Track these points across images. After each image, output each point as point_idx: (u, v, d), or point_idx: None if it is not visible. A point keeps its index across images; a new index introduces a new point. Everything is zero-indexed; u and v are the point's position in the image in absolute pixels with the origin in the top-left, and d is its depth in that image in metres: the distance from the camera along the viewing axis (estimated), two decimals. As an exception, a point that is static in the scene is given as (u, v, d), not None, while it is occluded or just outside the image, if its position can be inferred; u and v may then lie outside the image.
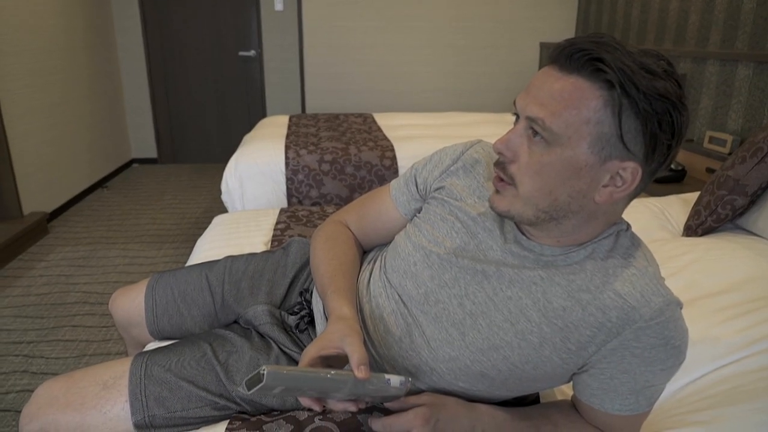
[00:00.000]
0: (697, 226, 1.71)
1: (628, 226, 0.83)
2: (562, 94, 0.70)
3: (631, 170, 0.71)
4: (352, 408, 0.75)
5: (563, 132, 0.70)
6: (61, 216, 3.65)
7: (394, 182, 1.04)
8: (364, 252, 1.08)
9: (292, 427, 0.86)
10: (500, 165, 0.77)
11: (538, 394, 1.01)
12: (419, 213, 0.97)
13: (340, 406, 0.75)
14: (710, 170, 2.55)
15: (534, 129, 0.72)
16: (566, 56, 0.70)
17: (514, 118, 0.76)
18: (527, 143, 0.74)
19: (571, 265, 0.79)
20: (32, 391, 1.88)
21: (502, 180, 0.78)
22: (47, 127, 3.53)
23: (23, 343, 2.16)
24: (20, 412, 1.75)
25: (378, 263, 0.99)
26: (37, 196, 3.38)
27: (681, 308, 0.76)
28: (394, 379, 0.75)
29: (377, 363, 0.90)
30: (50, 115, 3.57)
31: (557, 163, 0.72)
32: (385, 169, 2.69)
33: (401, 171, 2.72)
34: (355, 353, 0.73)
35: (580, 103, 0.69)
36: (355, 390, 0.72)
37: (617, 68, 0.67)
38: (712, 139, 2.63)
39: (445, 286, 0.86)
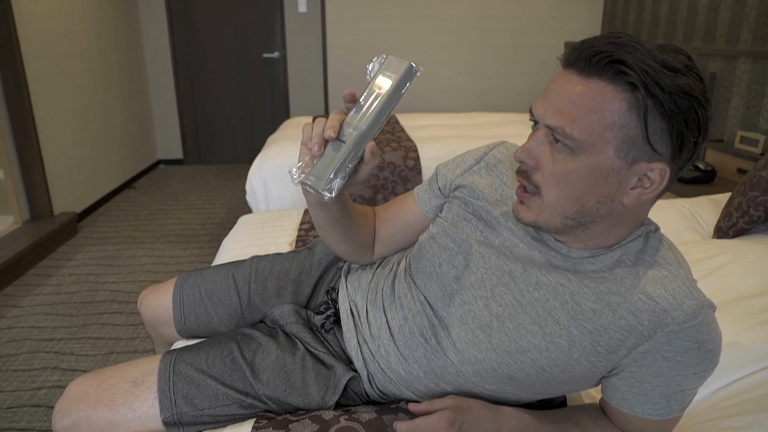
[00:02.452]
0: (728, 228, 1.67)
1: (657, 227, 0.81)
2: (583, 99, 0.68)
3: (659, 171, 0.70)
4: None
5: (586, 138, 0.69)
6: (89, 216, 3.72)
7: (418, 185, 1.04)
8: (384, 256, 1.08)
9: (318, 426, 0.86)
10: (523, 174, 0.76)
11: (565, 397, 0.99)
12: (441, 213, 0.96)
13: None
14: (741, 171, 2.50)
15: (555, 136, 0.71)
16: (585, 59, 0.69)
17: (532, 123, 0.74)
18: (549, 150, 0.73)
19: (600, 270, 0.78)
20: (62, 387, 1.92)
21: (526, 190, 0.76)
22: (77, 129, 3.61)
23: (54, 340, 2.21)
24: (51, 407, 1.80)
25: (402, 265, 0.99)
26: (67, 196, 3.45)
27: (714, 311, 0.74)
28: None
29: (402, 364, 0.90)
30: (80, 118, 3.65)
31: (583, 170, 0.70)
32: (408, 169, 2.69)
33: (424, 171, 2.71)
34: None
35: (603, 108, 0.67)
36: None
37: (640, 69, 0.65)
38: (743, 139, 2.57)
39: (470, 288, 0.85)
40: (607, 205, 0.73)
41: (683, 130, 0.67)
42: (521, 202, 0.78)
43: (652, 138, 0.68)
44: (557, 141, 0.71)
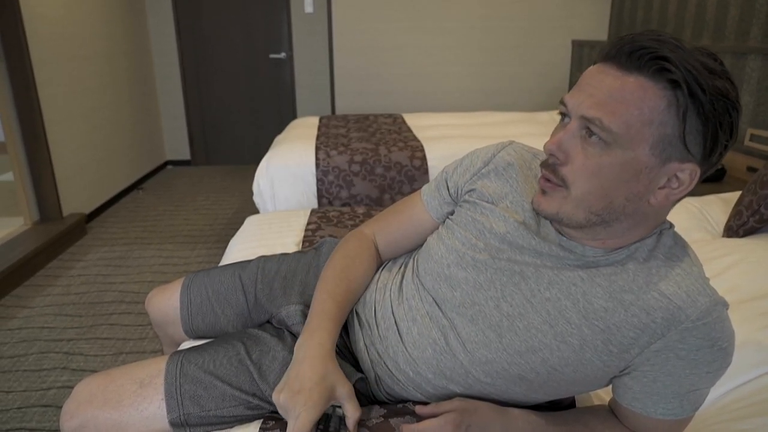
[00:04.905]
0: (738, 227, 1.65)
1: (671, 225, 0.80)
2: (623, 93, 0.67)
3: (689, 171, 0.69)
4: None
5: (624, 132, 0.67)
6: (98, 217, 3.75)
7: (425, 187, 1.02)
8: (391, 259, 1.07)
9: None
10: (550, 167, 0.74)
11: (573, 398, 0.99)
12: (451, 216, 0.96)
13: None
14: (751, 169, 2.47)
15: (590, 129, 0.70)
16: (626, 54, 0.68)
17: (555, 117, 0.72)
18: (581, 144, 0.71)
19: (612, 265, 0.77)
20: (72, 387, 1.93)
21: (549, 181, 0.75)
22: (86, 131, 3.63)
23: (63, 340, 2.23)
24: (61, 407, 1.81)
25: (410, 266, 0.99)
26: (76, 198, 3.48)
27: (727, 309, 0.74)
28: None
29: (411, 365, 0.89)
30: (89, 120, 3.67)
31: (617, 165, 0.69)
32: (415, 169, 2.68)
33: (431, 171, 2.70)
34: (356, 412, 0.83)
35: (643, 103, 0.67)
36: None
37: (684, 68, 0.65)
38: (753, 137, 2.55)
39: (480, 288, 0.84)
40: (634, 203, 0.72)
41: (717, 132, 0.67)
42: (543, 193, 0.76)
43: (687, 138, 0.67)
44: (591, 134, 0.70)
